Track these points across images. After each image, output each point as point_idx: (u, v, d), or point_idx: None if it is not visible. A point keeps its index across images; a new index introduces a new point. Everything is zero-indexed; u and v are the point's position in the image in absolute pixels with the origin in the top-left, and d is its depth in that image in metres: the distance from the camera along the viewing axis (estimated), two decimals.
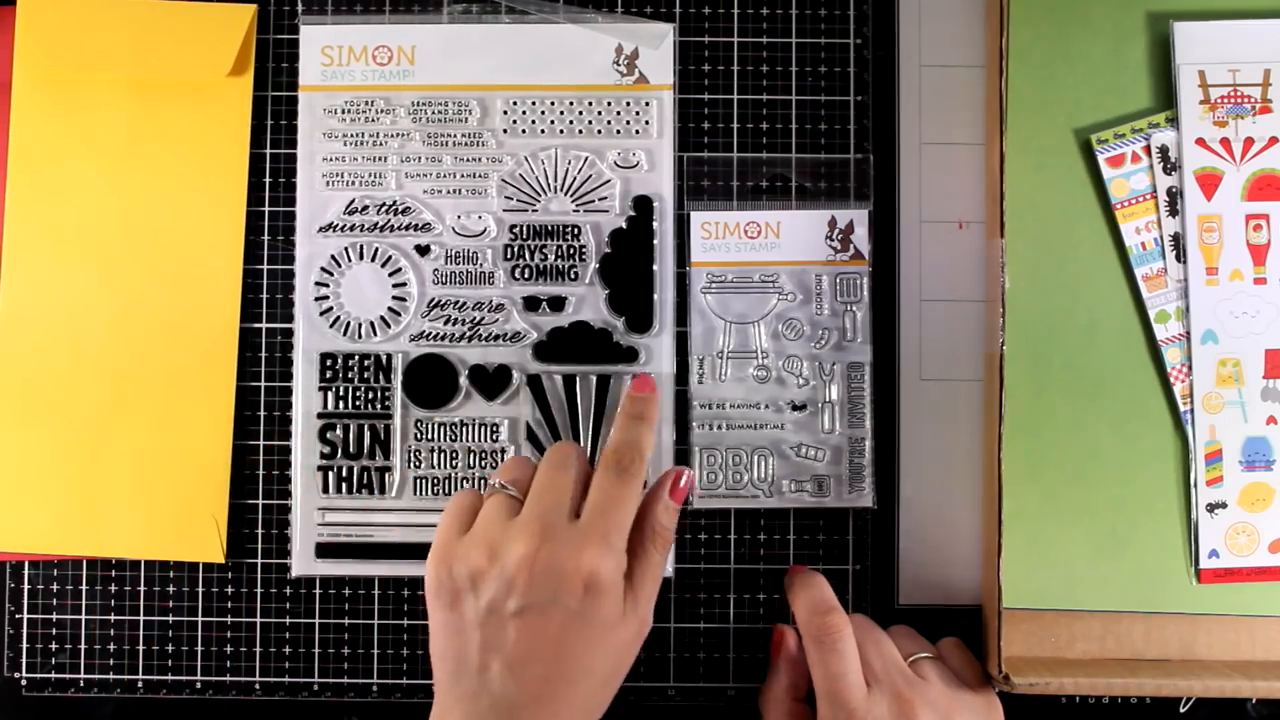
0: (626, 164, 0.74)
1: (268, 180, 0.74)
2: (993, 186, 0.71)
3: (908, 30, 0.75)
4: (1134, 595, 0.72)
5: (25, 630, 0.74)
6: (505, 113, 0.74)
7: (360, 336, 0.73)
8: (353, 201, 0.74)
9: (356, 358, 0.73)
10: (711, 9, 0.74)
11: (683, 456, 0.73)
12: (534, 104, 0.74)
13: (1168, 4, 0.73)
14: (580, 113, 0.74)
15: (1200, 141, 0.72)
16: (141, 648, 0.74)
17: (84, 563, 0.74)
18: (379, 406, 0.73)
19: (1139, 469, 0.73)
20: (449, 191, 0.74)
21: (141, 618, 0.73)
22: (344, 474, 0.73)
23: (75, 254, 0.73)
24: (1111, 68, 0.73)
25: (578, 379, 0.73)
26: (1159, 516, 0.73)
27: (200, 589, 0.74)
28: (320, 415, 0.73)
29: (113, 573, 0.74)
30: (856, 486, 0.73)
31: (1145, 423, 0.73)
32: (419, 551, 0.73)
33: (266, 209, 0.74)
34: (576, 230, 0.74)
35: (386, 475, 0.73)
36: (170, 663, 0.73)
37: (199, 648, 0.73)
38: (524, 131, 0.74)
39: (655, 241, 0.74)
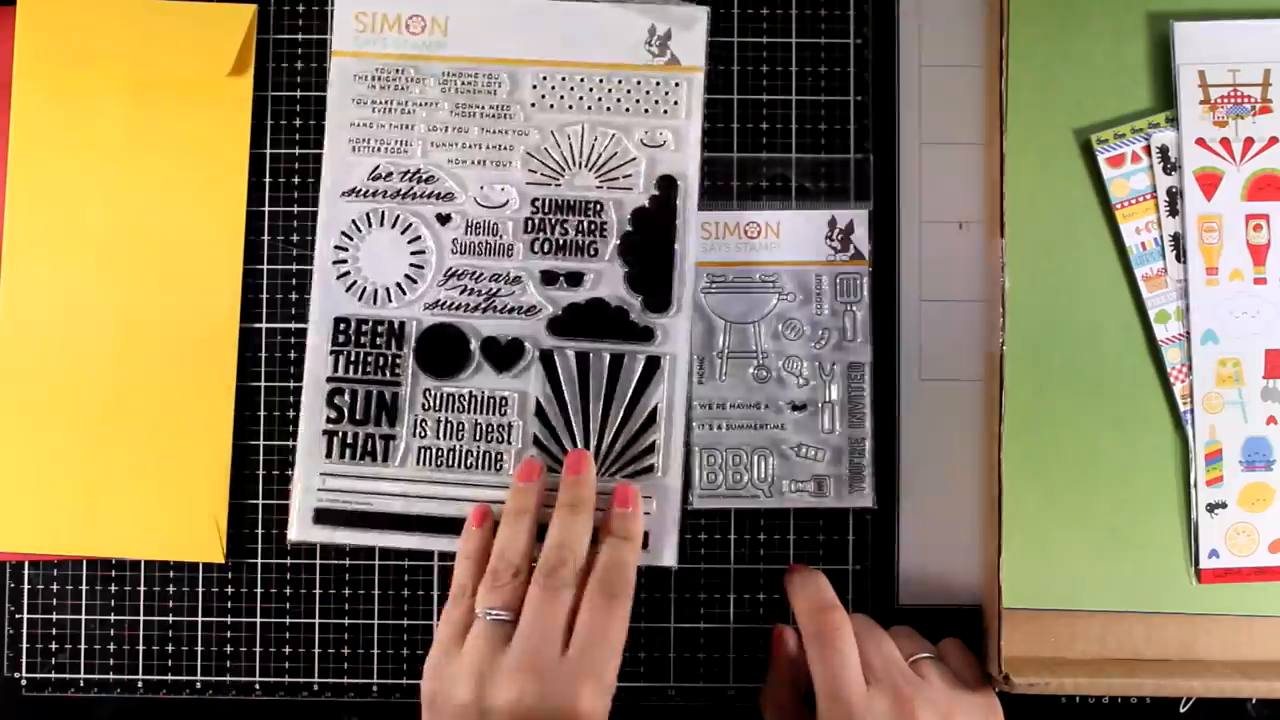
0: (653, 143, 0.73)
1: (268, 180, 0.74)
2: (993, 187, 0.72)
3: (908, 30, 0.75)
4: (1134, 595, 0.72)
5: (25, 630, 0.74)
6: (534, 87, 0.73)
7: (376, 302, 0.73)
8: (377, 167, 0.73)
9: (370, 323, 0.73)
10: (711, 8, 0.74)
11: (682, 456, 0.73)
12: (564, 79, 0.73)
13: (1168, 4, 0.73)
14: (610, 90, 0.73)
15: (1200, 141, 0.72)
16: (141, 648, 0.74)
17: (84, 563, 0.74)
18: (389, 373, 0.73)
19: (1139, 469, 0.73)
20: (473, 162, 0.73)
21: (141, 618, 0.73)
22: (349, 440, 0.73)
23: (75, 254, 0.73)
24: (1111, 68, 0.73)
25: (591, 356, 0.73)
26: (1159, 516, 0.72)
27: (200, 589, 0.74)
28: (330, 379, 0.73)
29: (113, 573, 0.74)
30: (856, 486, 0.73)
31: (1145, 423, 0.73)
32: (419, 524, 0.72)
33: (266, 209, 0.74)
34: (599, 206, 0.73)
35: (391, 443, 0.73)
36: (170, 663, 0.73)
37: (199, 648, 0.74)
38: (552, 106, 0.73)
39: (678, 221, 0.73)
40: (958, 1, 0.74)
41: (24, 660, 0.74)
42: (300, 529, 0.73)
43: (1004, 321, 0.69)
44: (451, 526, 0.72)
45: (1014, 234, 0.72)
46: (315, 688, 0.74)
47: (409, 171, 0.73)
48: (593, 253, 0.73)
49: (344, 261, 0.73)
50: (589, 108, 0.73)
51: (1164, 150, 0.73)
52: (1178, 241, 0.72)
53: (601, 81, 0.73)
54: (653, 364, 0.73)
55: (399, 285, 0.73)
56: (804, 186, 0.74)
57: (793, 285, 0.73)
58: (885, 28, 0.75)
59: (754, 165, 0.74)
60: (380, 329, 0.73)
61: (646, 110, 0.73)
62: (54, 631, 0.74)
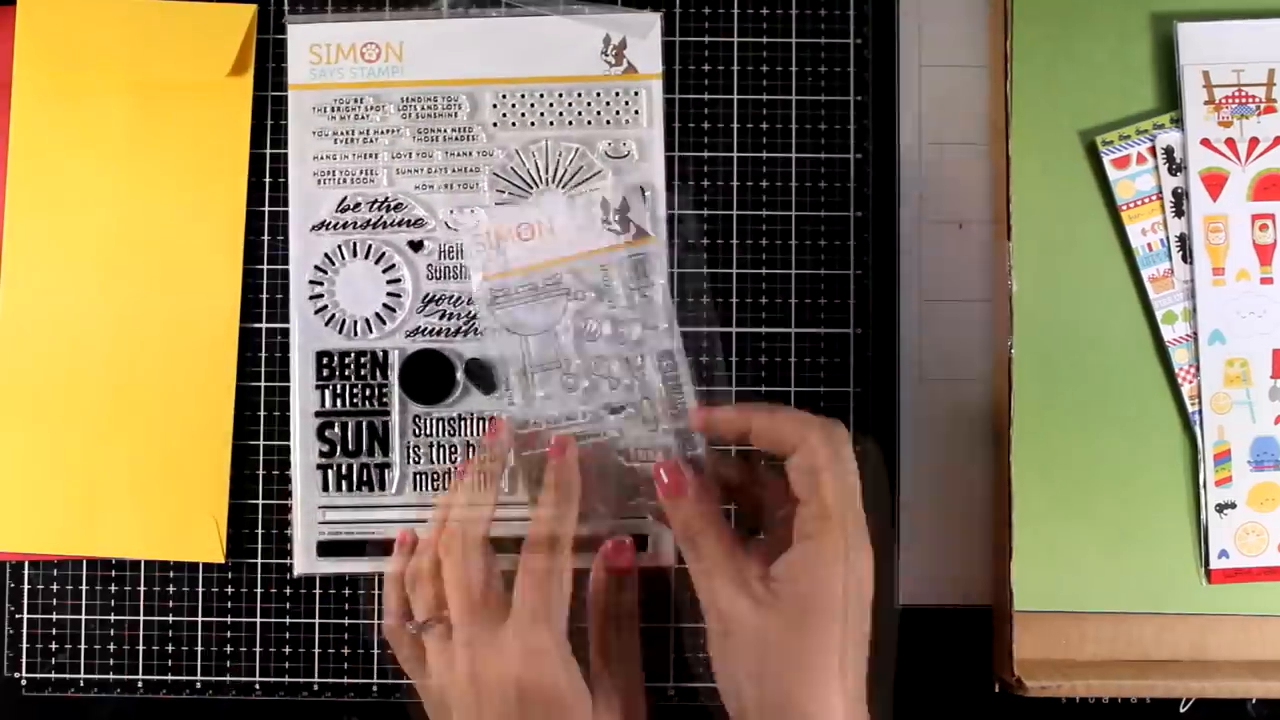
0: (617, 154, 0.73)
1: (268, 180, 0.74)
2: (998, 189, 0.71)
3: (908, 30, 0.75)
4: (1144, 596, 0.72)
5: (25, 630, 0.74)
6: (495, 106, 0.74)
7: (356, 334, 0.73)
8: (344, 199, 0.74)
9: (352, 355, 0.73)
10: (711, 8, 0.74)
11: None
12: (523, 97, 0.74)
13: (1171, 5, 0.73)
14: (570, 104, 0.74)
15: (1205, 142, 0.72)
16: (141, 648, 0.74)
17: (84, 563, 0.74)
18: (376, 403, 0.73)
19: (1147, 470, 0.72)
20: (440, 187, 0.74)
21: (141, 618, 0.74)
22: (343, 471, 0.73)
23: (75, 254, 0.74)
24: (1116, 69, 0.73)
25: None
26: (1168, 517, 0.72)
27: (200, 589, 0.74)
28: (318, 413, 0.73)
29: (113, 573, 0.74)
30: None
31: (1153, 424, 0.73)
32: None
33: (266, 209, 0.74)
34: None
35: (386, 472, 0.73)
36: (170, 663, 0.73)
37: (199, 648, 0.73)
38: (514, 125, 0.74)
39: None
40: (958, 1, 0.75)
41: (24, 660, 0.74)
42: (305, 562, 0.73)
43: (1012, 324, 0.69)
44: None
45: (1020, 236, 0.71)
46: (315, 688, 0.73)
47: (377, 200, 0.74)
48: None
49: (320, 296, 0.74)
50: (550, 123, 0.74)
51: (1169, 151, 0.72)
52: (1184, 242, 0.72)
53: (561, 96, 0.74)
54: None
55: (378, 315, 0.74)
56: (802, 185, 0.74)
57: (578, 283, 0.72)
58: (885, 28, 0.75)
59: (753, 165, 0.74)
60: (363, 360, 0.74)
61: (608, 121, 0.74)
62: (54, 631, 0.74)
